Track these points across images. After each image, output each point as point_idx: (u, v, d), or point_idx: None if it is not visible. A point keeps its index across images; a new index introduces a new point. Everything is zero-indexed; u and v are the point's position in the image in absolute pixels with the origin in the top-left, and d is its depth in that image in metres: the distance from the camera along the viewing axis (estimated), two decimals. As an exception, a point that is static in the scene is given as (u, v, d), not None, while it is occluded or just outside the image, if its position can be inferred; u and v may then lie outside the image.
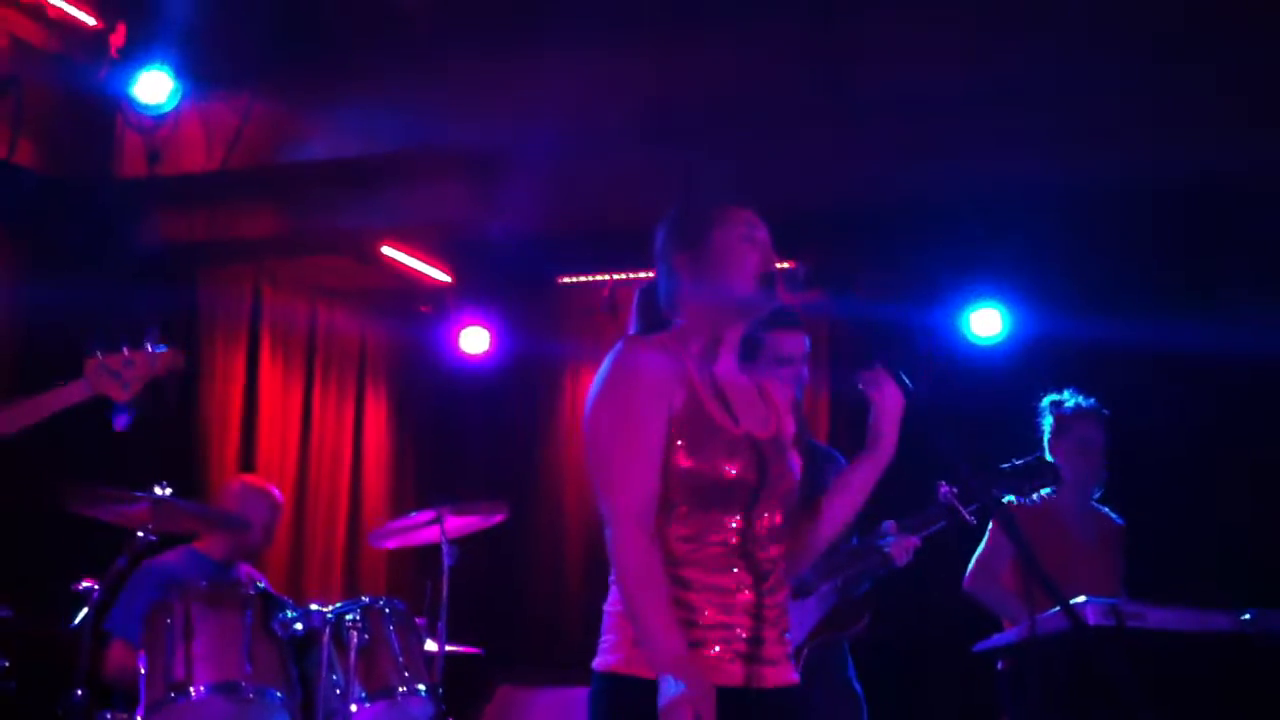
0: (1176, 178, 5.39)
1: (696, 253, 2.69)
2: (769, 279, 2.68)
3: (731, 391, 2.68)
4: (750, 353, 3.76)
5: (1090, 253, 6.02)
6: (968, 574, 4.58)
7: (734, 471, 2.56)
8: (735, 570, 2.56)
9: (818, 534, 2.75)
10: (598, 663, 2.58)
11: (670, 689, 2.39)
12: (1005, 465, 4.20)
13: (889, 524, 3.82)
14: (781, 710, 2.60)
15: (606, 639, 2.58)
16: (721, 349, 2.71)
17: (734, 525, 2.57)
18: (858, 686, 4.02)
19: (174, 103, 5.77)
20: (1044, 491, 4.54)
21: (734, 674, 2.53)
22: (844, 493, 2.75)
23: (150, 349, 3.83)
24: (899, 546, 3.80)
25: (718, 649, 2.52)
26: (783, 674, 2.62)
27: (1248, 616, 3.88)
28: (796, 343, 3.87)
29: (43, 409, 3.61)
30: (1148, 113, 5.23)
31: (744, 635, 2.55)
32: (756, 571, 2.57)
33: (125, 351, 3.80)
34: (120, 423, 3.81)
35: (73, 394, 3.67)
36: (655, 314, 2.76)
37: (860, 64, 5.24)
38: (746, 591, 2.56)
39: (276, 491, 5.31)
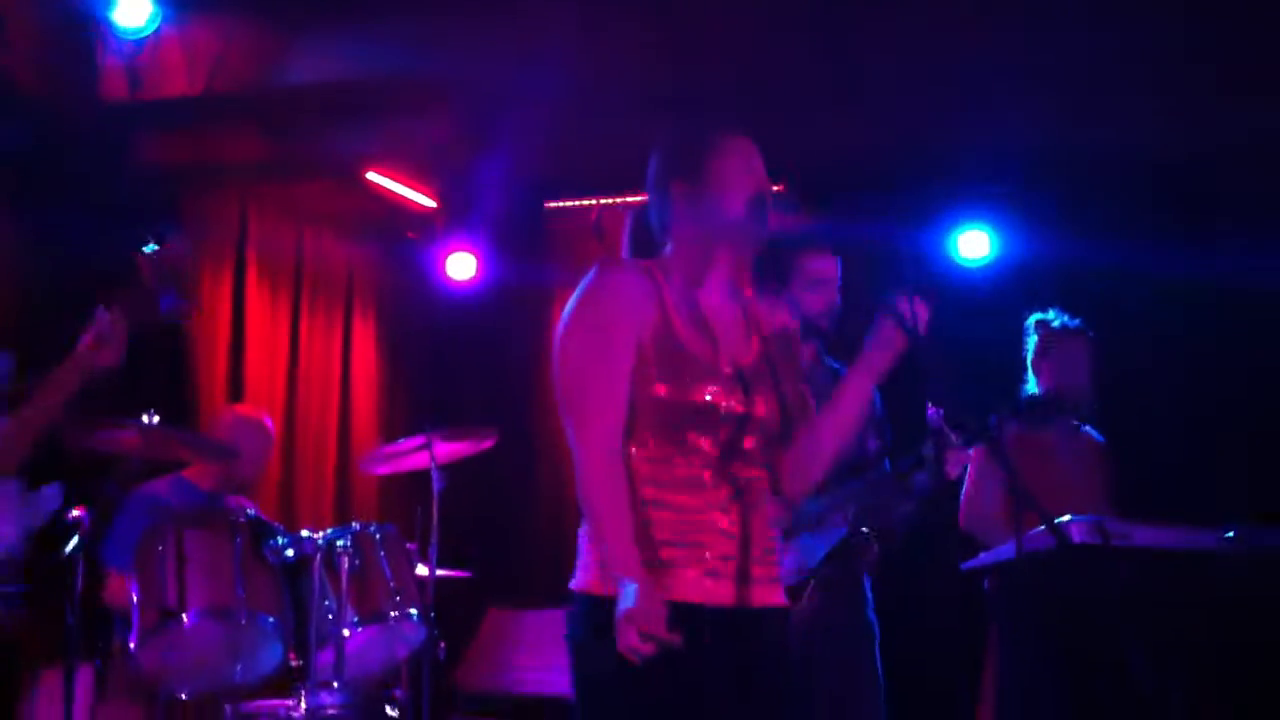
0: (1172, 136, 5.38)
1: (693, 179, 2.69)
2: (759, 202, 2.67)
3: (715, 318, 2.69)
4: (781, 276, 3.76)
5: (1080, 180, 6.02)
6: (961, 511, 4.58)
7: (707, 396, 2.57)
8: (712, 491, 2.58)
9: (816, 451, 2.74)
10: (573, 582, 2.61)
11: (626, 601, 2.42)
12: (1022, 397, 4.21)
13: (932, 412, 3.67)
14: (768, 630, 2.62)
15: (580, 560, 2.61)
16: (711, 275, 2.70)
17: (709, 448, 2.58)
18: (873, 617, 4.05)
19: (154, 26, 5.69)
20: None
21: (720, 593, 2.56)
22: (833, 412, 2.74)
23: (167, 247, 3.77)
24: (953, 460, 3.64)
25: (697, 567, 2.55)
26: (768, 594, 2.64)
27: (1232, 534, 3.92)
28: (828, 265, 3.86)
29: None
30: (1145, 72, 5.22)
31: (727, 555, 2.57)
32: (736, 493, 2.59)
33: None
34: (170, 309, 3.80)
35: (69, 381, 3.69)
36: (647, 238, 2.76)
37: (860, 25, 5.19)
38: (727, 513, 2.58)
39: (269, 422, 5.31)
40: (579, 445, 2.55)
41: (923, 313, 2.65)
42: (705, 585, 2.55)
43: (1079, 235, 5.83)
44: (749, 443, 2.63)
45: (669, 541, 2.54)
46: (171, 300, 3.72)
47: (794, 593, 3.68)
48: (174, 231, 3.84)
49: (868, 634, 4.01)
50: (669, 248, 2.73)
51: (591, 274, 2.63)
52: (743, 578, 2.58)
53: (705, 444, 2.58)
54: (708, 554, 2.56)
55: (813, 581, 3.80)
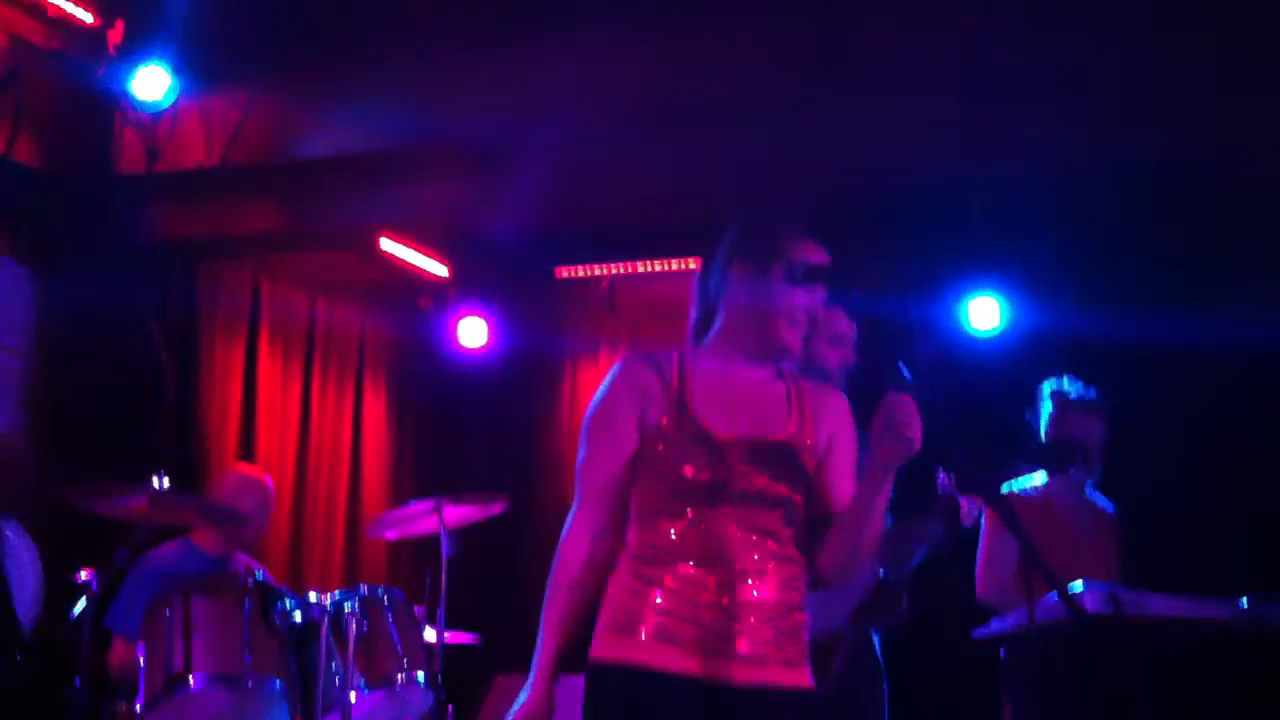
0: (1177, 168, 5.39)
1: (755, 269, 2.75)
2: (804, 313, 2.74)
3: (748, 396, 2.73)
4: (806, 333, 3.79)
5: (1088, 240, 6.03)
6: (978, 582, 4.54)
7: (722, 475, 2.62)
8: (700, 565, 2.60)
9: (854, 549, 2.71)
10: (592, 651, 2.68)
11: (518, 702, 2.62)
12: (1034, 443, 4.19)
13: (942, 478, 3.63)
14: (754, 709, 2.58)
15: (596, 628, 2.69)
16: (748, 357, 2.76)
17: (729, 529, 2.61)
18: (885, 684, 4.01)
19: (172, 99, 5.78)
20: (1038, 483, 4.55)
21: (688, 664, 2.57)
22: (863, 516, 2.68)
23: None
24: (964, 505, 3.59)
25: (669, 634, 2.57)
26: (762, 674, 2.60)
27: (1244, 604, 3.88)
28: (847, 324, 3.88)
29: None
30: (1149, 103, 5.23)
31: (709, 629, 2.58)
32: (726, 567, 2.60)
33: None
34: None
35: None
36: (704, 301, 2.84)
37: (859, 56, 5.25)
38: (709, 585, 2.59)
39: (268, 479, 5.32)
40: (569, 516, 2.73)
41: (928, 374, 2.66)
42: (691, 658, 2.57)
43: (1088, 302, 5.84)
44: (770, 520, 2.64)
45: (670, 615, 2.58)
46: None
47: (822, 652, 3.64)
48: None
49: (879, 694, 3.97)
50: (720, 318, 2.79)
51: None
52: (736, 654, 2.57)
53: (721, 519, 2.62)
54: (698, 625, 2.58)
55: (845, 636, 3.75)
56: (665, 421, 2.66)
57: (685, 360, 2.75)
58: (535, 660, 2.66)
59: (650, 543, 2.64)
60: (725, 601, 2.59)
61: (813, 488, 2.72)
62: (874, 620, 3.86)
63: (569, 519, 2.74)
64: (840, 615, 3.76)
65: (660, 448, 2.65)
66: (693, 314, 2.85)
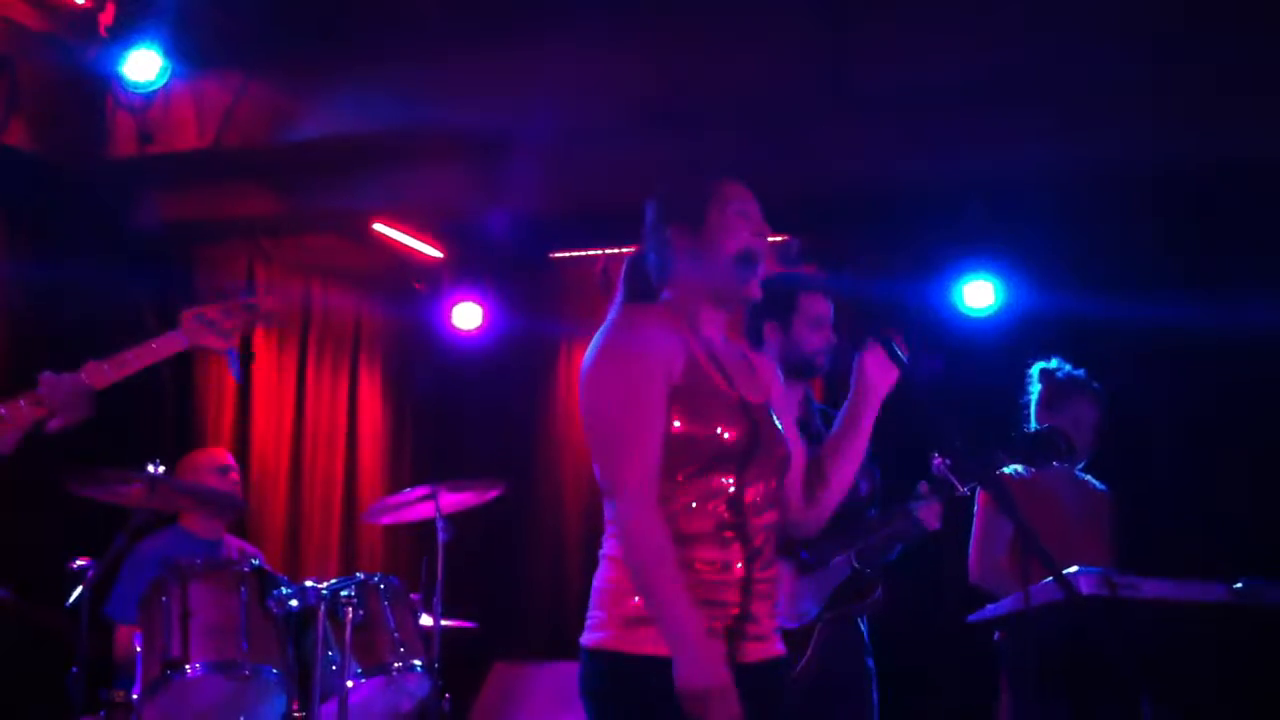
0: (1174, 162, 5.38)
1: (690, 227, 2.71)
2: (755, 254, 2.69)
3: (725, 359, 2.71)
4: (784, 315, 3.80)
5: (1085, 230, 6.02)
6: (971, 564, 4.54)
7: (730, 435, 2.58)
8: (728, 541, 2.57)
9: (828, 485, 2.78)
10: (587, 639, 2.58)
11: (689, 673, 2.41)
12: (1016, 434, 4.18)
13: (923, 485, 3.66)
14: (761, 684, 2.59)
15: (595, 615, 2.59)
16: (708, 321, 2.73)
17: (728, 492, 2.58)
18: (871, 662, 4.02)
19: (164, 81, 5.74)
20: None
21: (730, 650, 2.55)
22: (843, 443, 2.77)
23: (248, 299, 3.75)
24: (929, 511, 3.64)
25: (710, 624, 2.53)
26: (766, 648, 2.63)
27: (1240, 586, 3.88)
28: (825, 305, 3.88)
29: (139, 361, 3.51)
30: (1146, 100, 5.22)
31: (733, 611, 2.56)
32: (748, 542, 2.59)
33: (222, 303, 3.71)
34: (235, 371, 3.77)
35: (170, 345, 3.57)
36: (643, 285, 2.78)
37: (860, 52, 5.23)
38: (738, 564, 2.57)
39: (219, 454, 5.30)
40: (620, 497, 2.53)
41: (920, 349, 2.67)
42: (717, 643, 2.53)
43: (1083, 284, 5.84)
44: (762, 486, 2.63)
45: (699, 601, 2.52)
46: (237, 361, 3.72)
47: (798, 637, 3.65)
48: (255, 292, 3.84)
49: (867, 679, 3.99)
50: (667, 293, 2.75)
51: (613, 323, 2.65)
52: (750, 633, 2.58)
53: (726, 487, 2.58)
54: (727, 609, 2.55)
55: (818, 628, 3.78)
56: (684, 381, 2.58)
57: (678, 321, 2.69)
58: (693, 638, 2.44)
59: (682, 521, 2.54)
60: (747, 580, 2.57)
61: None
62: (850, 608, 3.87)
63: (633, 503, 2.51)
64: (816, 602, 3.78)
65: (681, 411, 2.55)
66: (622, 295, 2.78)
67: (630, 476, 2.52)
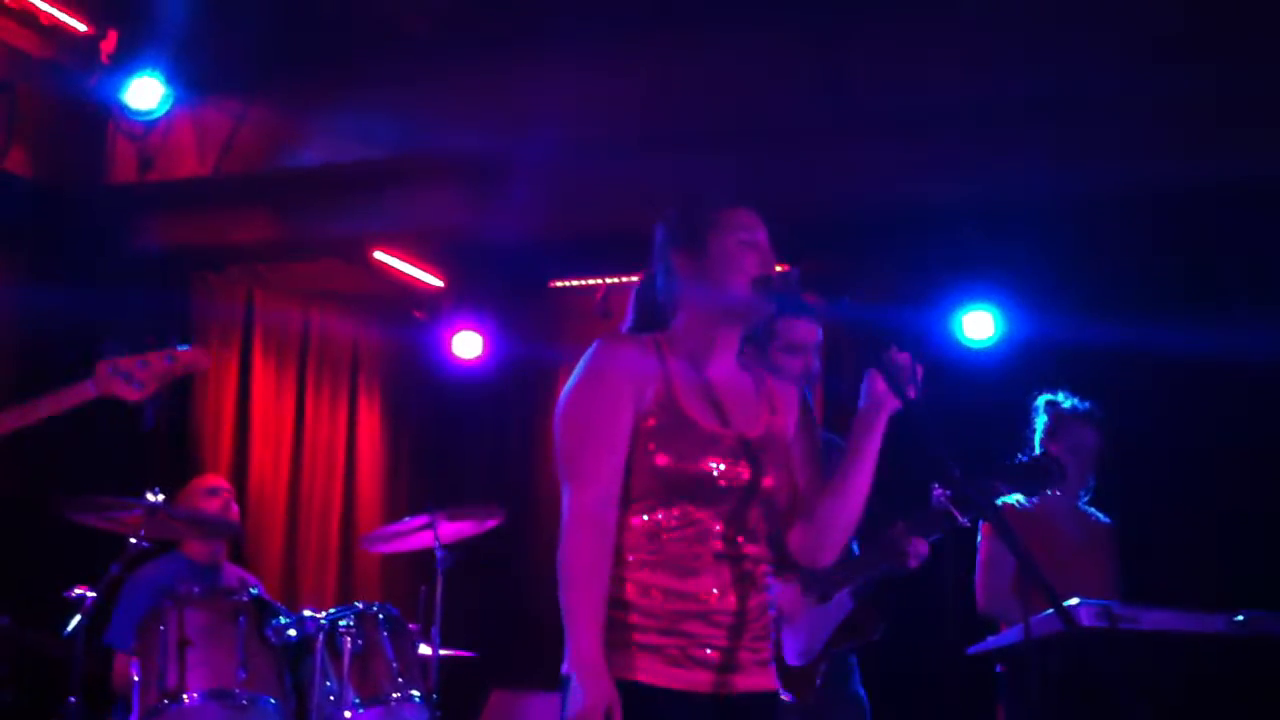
0: (1175, 185, 5.39)
1: (695, 253, 2.71)
2: (765, 282, 2.69)
3: (724, 391, 2.69)
4: (761, 340, 3.79)
5: (1084, 257, 6.03)
6: (978, 592, 4.54)
7: (709, 467, 2.58)
8: (712, 572, 2.56)
9: (835, 520, 2.72)
10: (565, 667, 2.58)
11: (576, 694, 2.46)
12: (1009, 462, 4.18)
13: (899, 525, 3.67)
14: (749, 718, 2.59)
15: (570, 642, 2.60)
16: (717, 349, 2.72)
17: (715, 527, 2.57)
18: (862, 692, 4.01)
19: (165, 108, 5.77)
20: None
21: (698, 680, 2.54)
22: (849, 478, 2.71)
23: (171, 350, 3.77)
24: (912, 549, 3.62)
25: (678, 654, 2.53)
26: (753, 680, 2.61)
27: (1240, 618, 3.88)
28: (808, 331, 3.86)
29: (47, 408, 3.56)
30: (1145, 120, 5.23)
31: (717, 641, 2.55)
32: (737, 573, 2.58)
33: (141, 354, 3.75)
34: (145, 423, 3.79)
35: (79, 394, 3.62)
36: (651, 311, 2.78)
37: (858, 71, 5.24)
38: (727, 595, 2.56)
39: (210, 477, 5.30)
40: (567, 510, 2.58)
41: (910, 370, 2.65)
42: (701, 674, 2.53)
43: (1085, 310, 5.84)
44: (754, 517, 2.62)
45: (652, 628, 2.53)
46: (150, 412, 3.75)
47: (804, 675, 3.63)
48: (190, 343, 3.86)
49: (860, 709, 3.97)
50: (677, 320, 2.75)
51: (593, 347, 2.66)
52: (738, 664, 2.57)
53: (707, 517, 2.57)
54: (708, 639, 2.54)
55: (824, 665, 3.75)
56: (655, 412, 2.59)
57: (664, 350, 2.68)
58: (583, 657, 2.48)
59: (655, 545, 2.56)
60: (738, 612, 2.56)
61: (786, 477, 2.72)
62: (852, 642, 3.86)
63: (574, 520, 2.56)
64: (820, 637, 3.76)
65: (655, 441, 2.57)
66: (630, 323, 2.79)
67: (579, 497, 2.56)
